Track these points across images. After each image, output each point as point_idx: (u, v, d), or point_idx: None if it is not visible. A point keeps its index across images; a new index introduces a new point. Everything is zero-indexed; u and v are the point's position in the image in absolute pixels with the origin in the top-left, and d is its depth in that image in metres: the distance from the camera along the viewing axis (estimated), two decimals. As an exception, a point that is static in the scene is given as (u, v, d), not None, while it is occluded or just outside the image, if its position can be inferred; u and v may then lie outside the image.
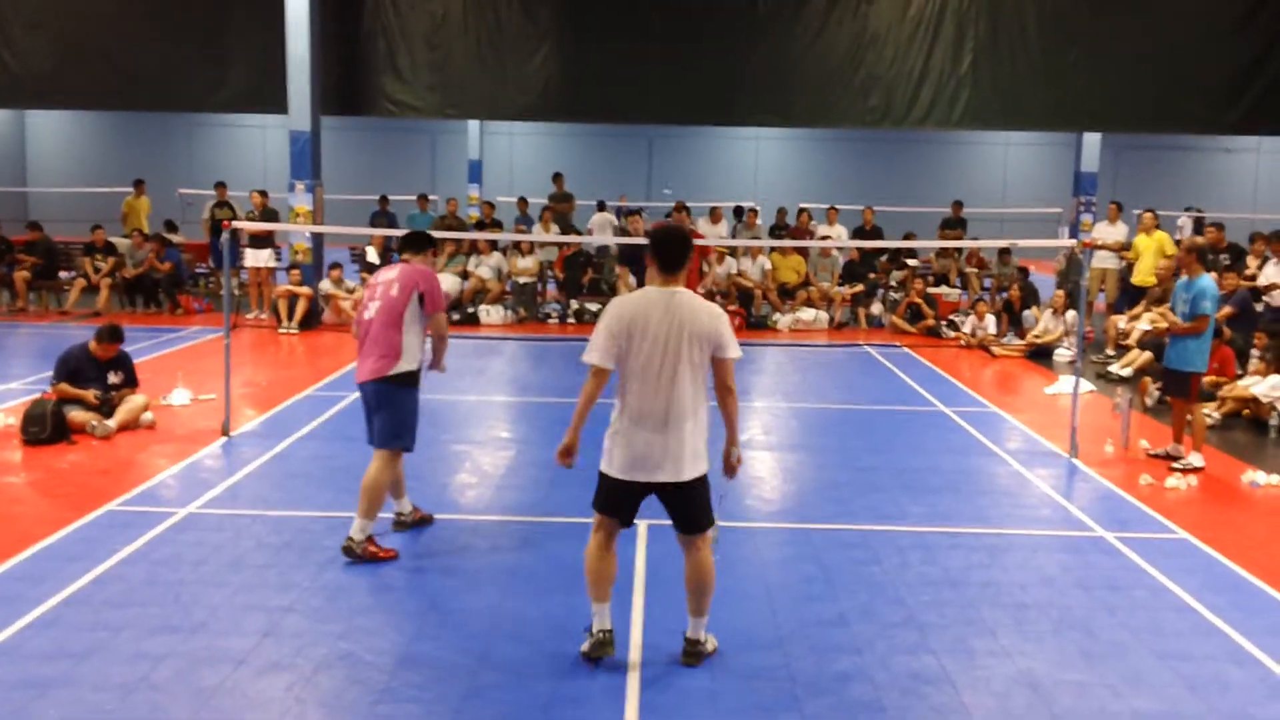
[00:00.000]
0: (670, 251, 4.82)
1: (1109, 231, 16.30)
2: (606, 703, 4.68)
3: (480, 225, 19.82)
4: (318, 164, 15.97)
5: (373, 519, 6.30)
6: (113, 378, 9.39)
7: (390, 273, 6.54)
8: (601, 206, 20.07)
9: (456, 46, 16.68)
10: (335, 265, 15.97)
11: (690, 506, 4.92)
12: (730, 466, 5.07)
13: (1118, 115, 17.30)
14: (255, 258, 16.20)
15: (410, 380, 6.47)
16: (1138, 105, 17.00)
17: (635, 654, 5.15)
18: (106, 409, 9.17)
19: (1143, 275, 14.81)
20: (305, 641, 5.19)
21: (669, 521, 5.12)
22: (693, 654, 5.07)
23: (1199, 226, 21.75)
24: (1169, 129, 18.73)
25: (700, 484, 4.90)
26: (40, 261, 16.91)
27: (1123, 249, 16.05)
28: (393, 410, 6.42)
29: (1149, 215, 15.42)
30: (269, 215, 16.32)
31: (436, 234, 16.84)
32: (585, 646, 5.04)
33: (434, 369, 6.78)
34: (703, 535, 4.98)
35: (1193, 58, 16.62)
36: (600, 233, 18.44)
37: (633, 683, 4.86)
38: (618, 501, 4.93)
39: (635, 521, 5.10)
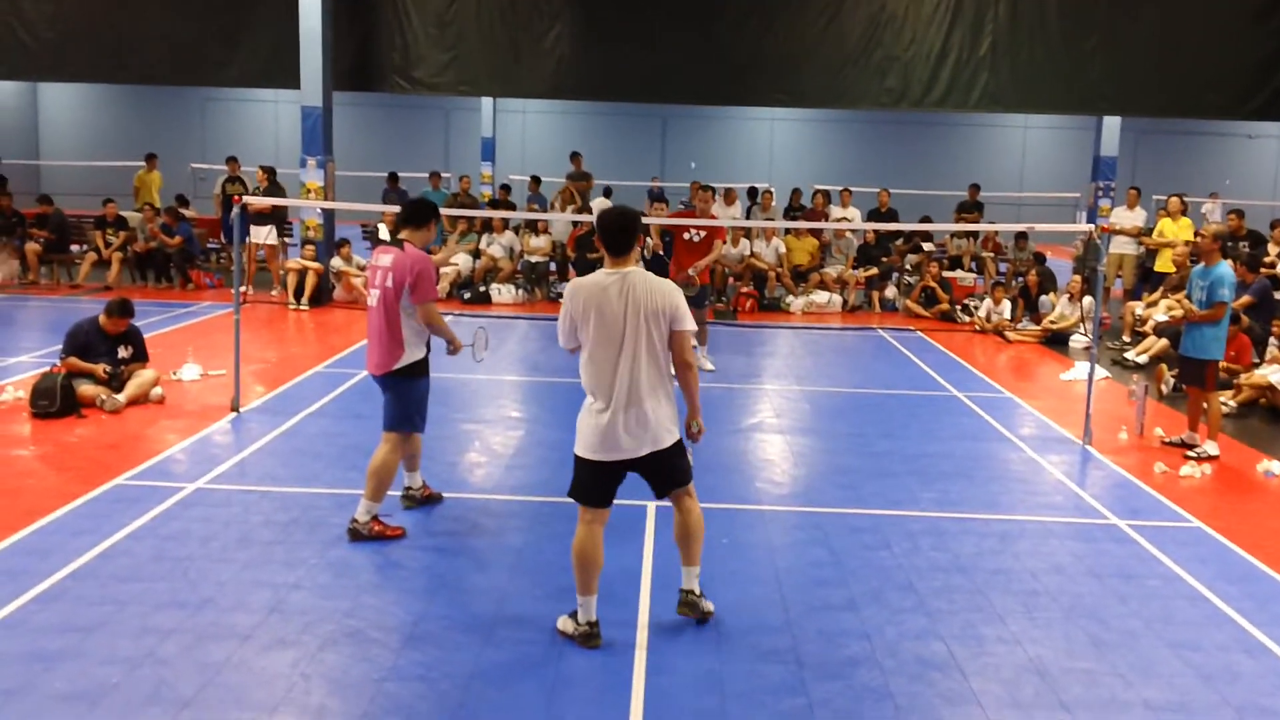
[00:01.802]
0: (616, 235, 4.93)
1: (1127, 217, 16.16)
2: (613, 684, 4.66)
3: (495, 204, 19.79)
4: (329, 140, 15.92)
5: (379, 501, 6.28)
6: (122, 352, 9.39)
7: (386, 258, 6.35)
8: (608, 193, 19.98)
9: (470, 23, 16.58)
10: (344, 242, 15.94)
11: (669, 469, 5.04)
12: (691, 435, 5.17)
13: (1137, 100, 17.10)
14: (256, 234, 16.17)
15: (416, 369, 6.41)
16: (1158, 90, 16.81)
17: (642, 635, 5.12)
18: (116, 383, 9.17)
19: (1165, 261, 14.69)
20: (312, 618, 5.18)
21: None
22: (688, 604, 5.22)
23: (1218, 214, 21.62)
24: (1190, 114, 18.50)
25: (675, 447, 5.00)
26: (52, 235, 16.93)
27: (1141, 234, 15.92)
28: (400, 397, 6.41)
29: (1175, 200, 15.27)
30: (272, 192, 16.28)
31: (448, 212, 16.86)
32: (571, 633, 5.08)
33: (452, 354, 6.64)
34: (685, 487, 5.11)
35: (1214, 43, 16.42)
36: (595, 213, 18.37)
37: (639, 665, 4.83)
38: (595, 485, 4.99)
39: (645, 504, 5.08)
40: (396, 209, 16.08)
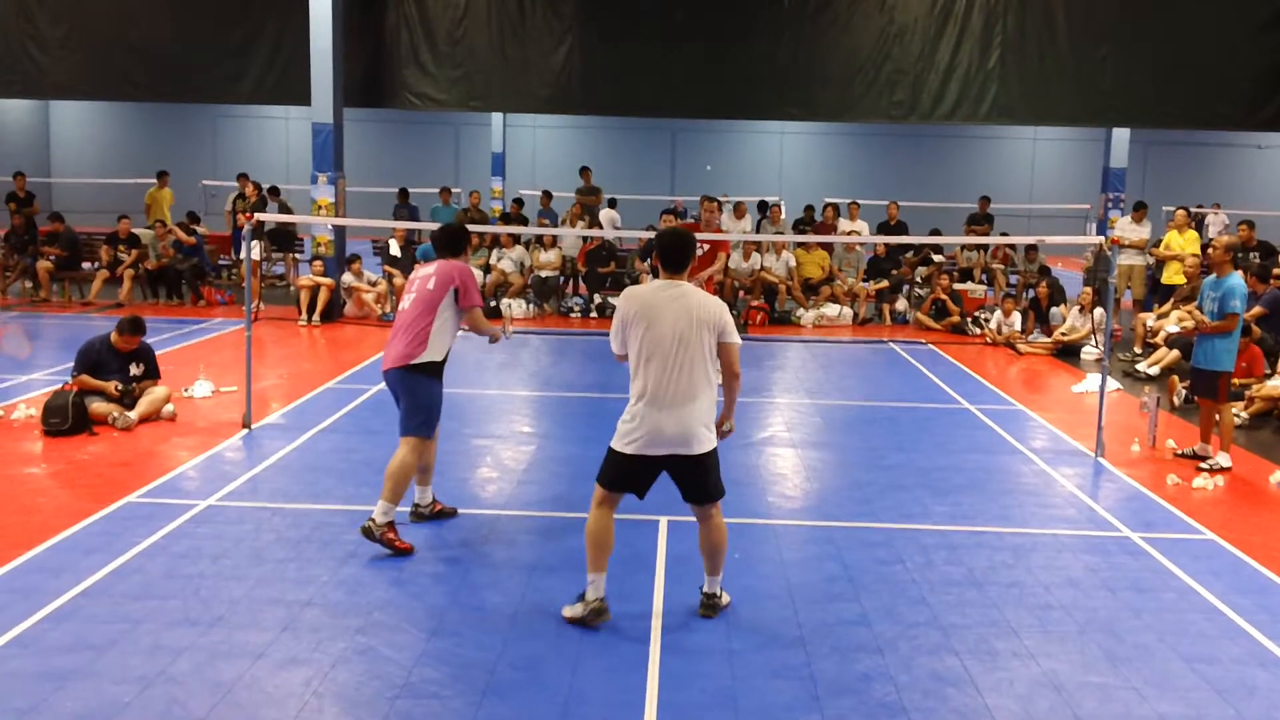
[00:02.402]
0: (674, 252, 5.35)
1: (1133, 230, 16.13)
2: (626, 701, 4.64)
3: (506, 218, 19.84)
4: (340, 156, 15.99)
5: (395, 503, 6.29)
6: (134, 369, 9.42)
7: (429, 268, 6.64)
8: (612, 204, 20.04)
9: (479, 39, 16.66)
10: (355, 258, 15.99)
11: (703, 478, 5.32)
12: (721, 434, 5.51)
13: (1147, 111, 17.10)
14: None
15: (433, 370, 6.48)
16: (1167, 101, 16.80)
17: (655, 651, 5.11)
18: (128, 400, 9.20)
19: (1173, 274, 14.66)
20: (324, 636, 5.18)
21: (691, 518, 5.47)
22: (709, 605, 5.54)
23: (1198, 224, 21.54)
24: (1199, 125, 18.48)
25: (711, 457, 5.30)
26: (63, 252, 17.02)
27: (1146, 246, 15.89)
28: (414, 396, 6.43)
29: (1181, 213, 15.24)
30: (259, 207, 16.34)
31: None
32: (580, 613, 5.35)
33: (493, 343, 7.18)
34: (715, 504, 5.39)
35: (1224, 54, 16.41)
36: (605, 229, 18.43)
37: (652, 683, 4.81)
38: (631, 478, 5.32)
39: (657, 519, 5.13)
40: (408, 225, 16.22)
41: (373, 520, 6.25)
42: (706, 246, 11.32)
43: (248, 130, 32.26)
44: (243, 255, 9.12)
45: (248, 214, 9.33)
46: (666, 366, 5.15)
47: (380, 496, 6.28)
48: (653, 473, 5.32)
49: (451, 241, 6.75)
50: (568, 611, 5.42)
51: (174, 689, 4.62)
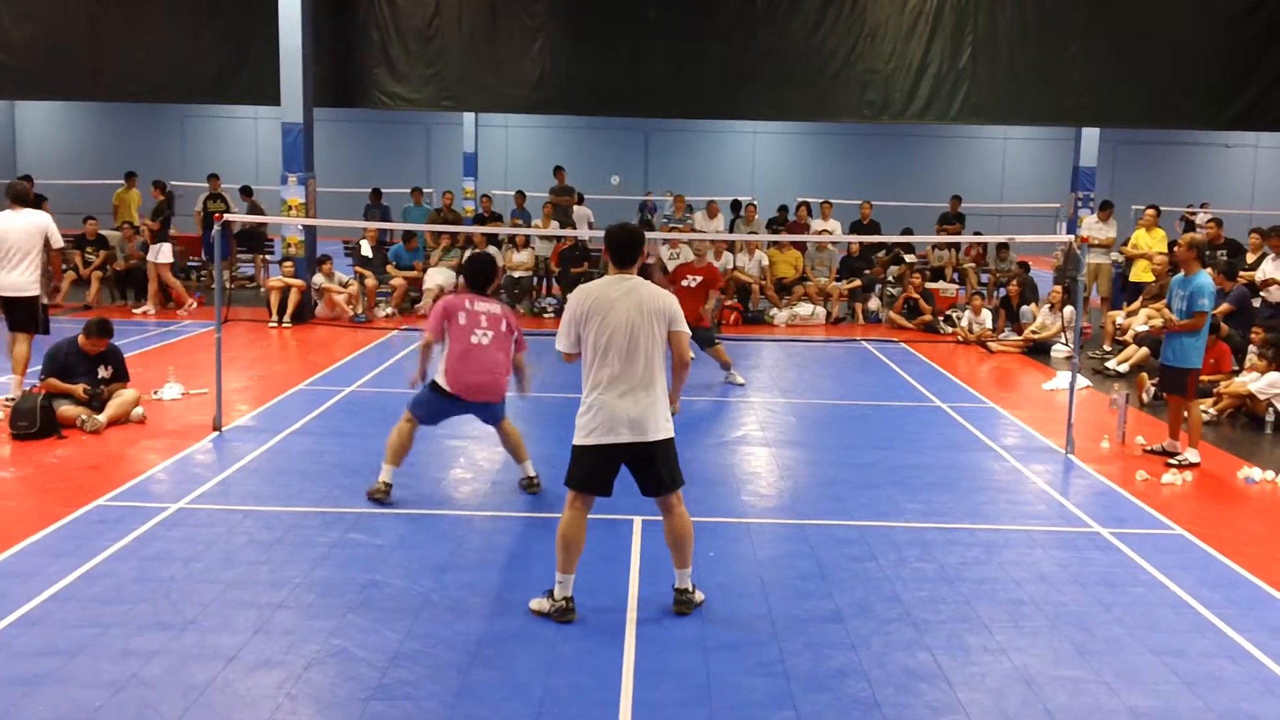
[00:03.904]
0: (622, 249, 5.46)
1: (1099, 229, 16.27)
2: (601, 700, 4.65)
3: (480, 219, 19.78)
4: (310, 156, 15.88)
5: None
6: (102, 372, 9.33)
7: (489, 306, 7.24)
8: (580, 200, 20.03)
9: (451, 38, 16.59)
10: (325, 258, 15.91)
11: (663, 466, 5.40)
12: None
13: (1116, 110, 17.26)
14: (154, 252, 16.07)
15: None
16: (1136, 100, 16.96)
17: (629, 648, 5.11)
18: (96, 404, 9.11)
19: (1141, 272, 14.80)
20: (297, 638, 5.15)
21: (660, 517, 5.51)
22: (683, 602, 5.56)
23: (1190, 224, 21.75)
24: (1167, 124, 18.67)
25: (669, 444, 5.42)
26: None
27: (1114, 245, 16.04)
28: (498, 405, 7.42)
29: (1150, 212, 15.38)
30: (164, 209, 16.39)
31: (431, 228, 16.86)
32: (547, 609, 5.44)
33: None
34: (676, 493, 5.46)
35: (1191, 53, 16.58)
36: (578, 225, 18.41)
37: (627, 681, 4.82)
38: (595, 473, 5.39)
39: (632, 518, 5.15)
40: (379, 225, 16.12)
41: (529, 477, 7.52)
42: (700, 278, 11.47)
43: (217, 130, 32.00)
44: (217, 256, 9.01)
45: (218, 215, 9.26)
46: (622, 357, 5.26)
47: (520, 460, 7.52)
48: (614, 464, 5.39)
49: (481, 282, 7.38)
50: (534, 605, 5.51)
51: (145, 693, 4.58)
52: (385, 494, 7.17)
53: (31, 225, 9.65)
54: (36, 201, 10.67)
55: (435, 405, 7.24)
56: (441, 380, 7.13)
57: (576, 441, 5.37)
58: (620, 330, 5.28)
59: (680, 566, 5.57)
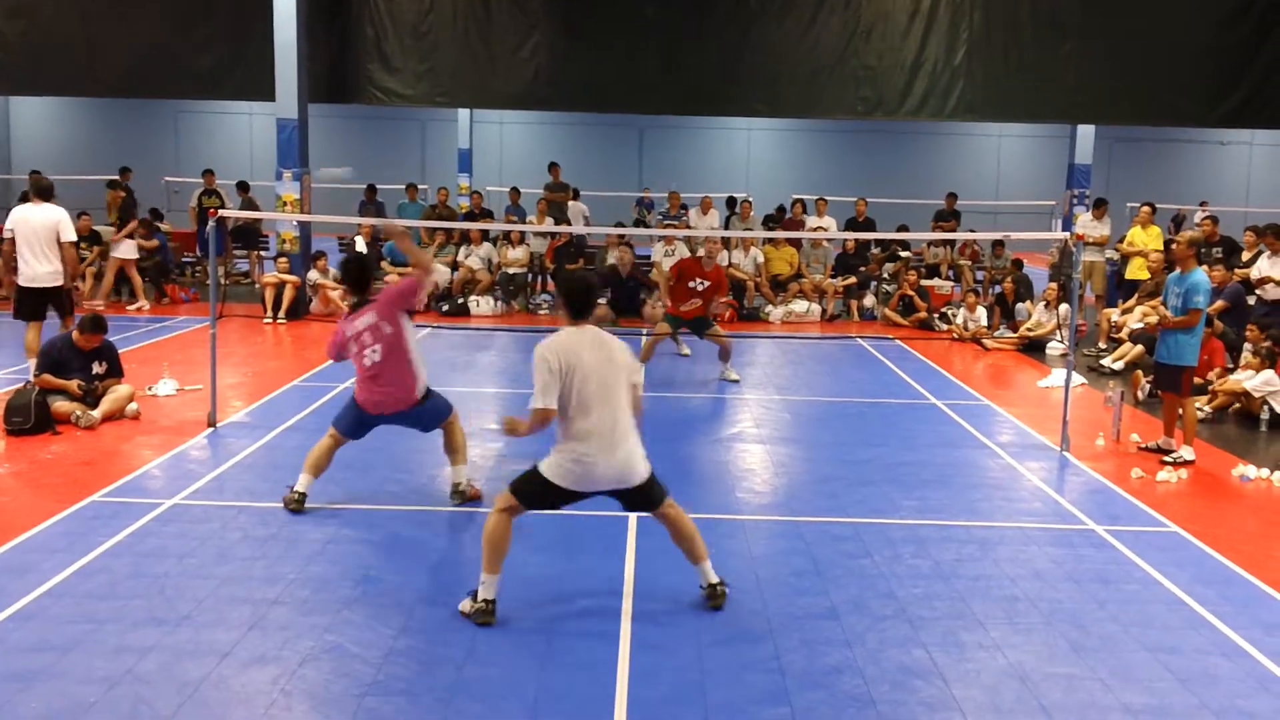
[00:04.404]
0: (580, 299, 5.38)
1: (1094, 227, 16.30)
2: (596, 697, 4.64)
3: (471, 215, 19.75)
4: (305, 152, 15.86)
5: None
6: (96, 368, 9.30)
7: (363, 320, 6.77)
8: (575, 195, 20.00)
9: (445, 34, 16.57)
10: (320, 254, 15.88)
11: (648, 495, 5.45)
12: None
13: (1110, 108, 17.28)
14: (115, 247, 16.06)
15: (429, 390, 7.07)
16: (1130, 98, 16.98)
17: (624, 646, 5.11)
18: (91, 399, 9.09)
19: (1136, 269, 14.82)
20: (292, 634, 5.15)
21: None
22: (714, 596, 5.54)
23: (1179, 223, 21.80)
24: (1161, 122, 18.73)
25: (651, 479, 5.43)
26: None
27: (1107, 243, 16.06)
28: (430, 403, 7.02)
29: (1145, 209, 15.40)
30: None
31: (427, 224, 16.83)
32: (468, 610, 5.34)
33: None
34: (667, 502, 5.49)
35: (1185, 51, 16.61)
36: (574, 222, 18.39)
37: (622, 677, 4.82)
38: (555, 504, 5.43)
39: (627, 515, 5.18)
40: (373, 221, 16.11)
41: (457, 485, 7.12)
42: (708, 282, 11.49)
43: (211, 126, 31.95)
44: (211, 252, 9.01)
45: (213, 211, 9.25)
46: (597, 408, 5.19)
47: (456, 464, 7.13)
48: (580, 499, 5.38)
49: (359, 284, 7.02)
50: (462, 606, 5.42)
51: (140, 688, 4.57)
52: (299, 504, 6.88)
53: (49, 218, 10.20)
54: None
55: (354, 419, 7.00)
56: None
57: (549, 476, 5.28)
58: (592, 384, 5.20)
59: (698, 561, 5.56)
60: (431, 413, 7.03)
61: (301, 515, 6.82)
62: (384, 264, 16.82)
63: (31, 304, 10.30)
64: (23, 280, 10.23)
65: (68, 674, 4.68)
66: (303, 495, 6.90)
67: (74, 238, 10.42)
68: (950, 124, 27.96)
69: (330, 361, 7.47)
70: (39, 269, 10.15)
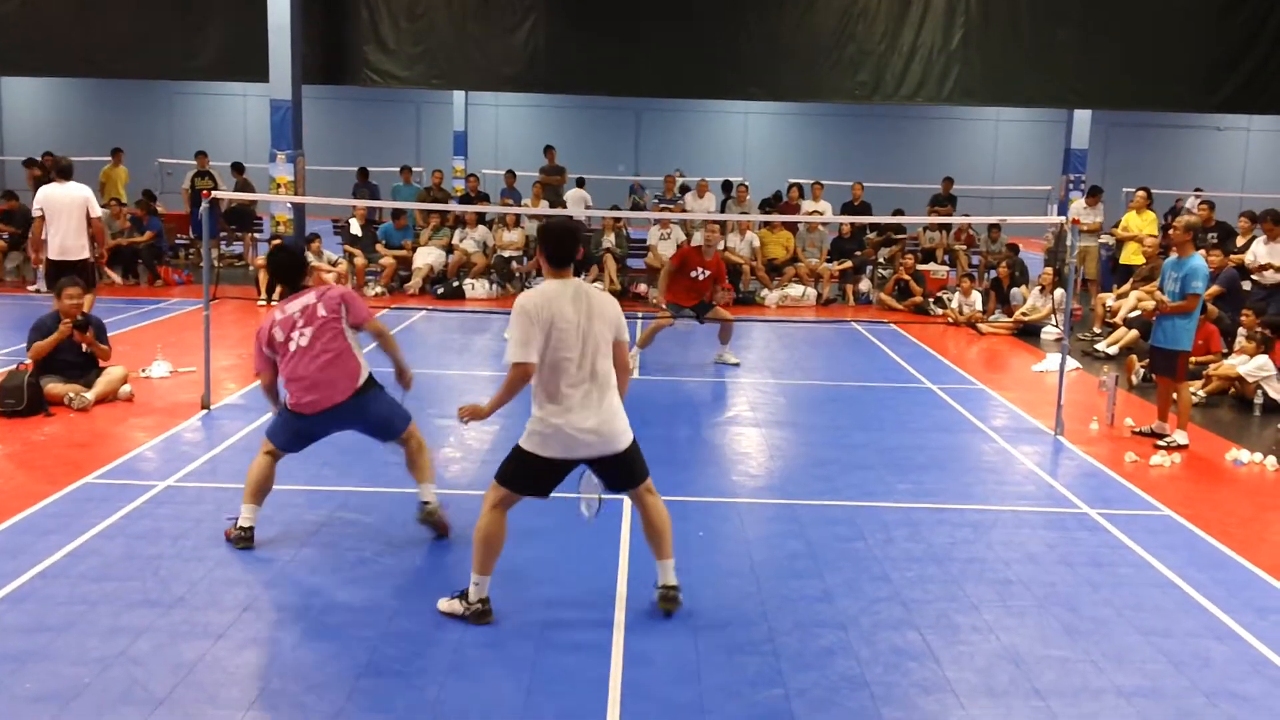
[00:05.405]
0: (563, 246, 5.03)
1: (1087, 214, 16.29)
2: (591, 678, 4.65)
3: (466, 198, 19.70)
4: (299, 134, 15.81)
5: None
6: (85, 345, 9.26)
7: (297, 303, 6.11)
8: (580, 183, 19.95)
9: (440, 16, 16.50)
10: (314, 237, 15.84)
11: (630, 467, 5.16)
12: None
13: (1107, 93, 17.27)
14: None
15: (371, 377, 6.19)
16: (1127, 83, 16.98)
17: (619, 629, 5.12)
18: (83, 379, 9.03)
19: (1131, 254, 14.82)
20: (286, 615, 5.15)
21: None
22: (669, 599, 5.24)
23: (1175, 209, 21.79)
24: (1158, 107, 18.71)
25: (633, 446, 5.14)
26: (17, 231, 16.67)
27: (1100, 230, 16.06)
28: (380, 402, 6.17)
29: (1141, 194, 15.39)
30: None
31: (422, 206, 16.77)
32: (460, 611, 5.13)
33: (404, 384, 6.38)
34: (645, 483, 5.22)
35: (1182, 36, 16.60)
36: (574, 208, 18.33)
37: (616, 659, 4.82)
38: (539, 480, 5.10)
39: (621, 497, 5.15)
40: (368, 204, 16.05)
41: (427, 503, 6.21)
42: (708, 272, 11.43)
43: (205, 107, 31.79)
44: (205, 234, 8.97)
45: (206, 192, 9.21)
46: (576, 367, 4.92)
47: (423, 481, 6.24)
48: (565, 473, 5.09)
49: (292, 277, 6.28)
50: (444, 606, 5.19)
51: (134, 670, 4.57)
52: (248, 541, 5.97)
53: (76, 196, 11.01)
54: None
55: (289, 428, 6.16)
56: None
57: (529, 448, 5.00)
58: (573, 340, 4.90)
59: (662, 558, 5.24)
60: (385, 415, 6.17)
61: (295, 500, 6.80)
62: (379, 246, 16.78)
63: (61, 275, 10.44)
64: (53, 254, 10.97)
65: (62, 655, 4.68)
66: (248, 530, 5.99)
67: (100, 213, 11.22)
68: (947, 108, 27.91)
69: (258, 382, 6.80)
70: (70, 243, 10.94)
